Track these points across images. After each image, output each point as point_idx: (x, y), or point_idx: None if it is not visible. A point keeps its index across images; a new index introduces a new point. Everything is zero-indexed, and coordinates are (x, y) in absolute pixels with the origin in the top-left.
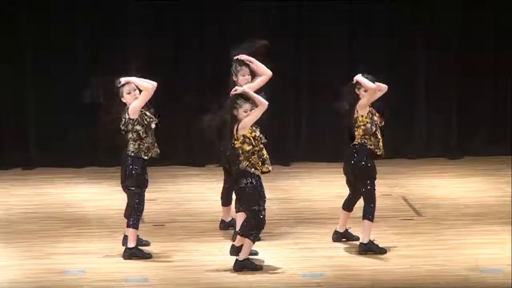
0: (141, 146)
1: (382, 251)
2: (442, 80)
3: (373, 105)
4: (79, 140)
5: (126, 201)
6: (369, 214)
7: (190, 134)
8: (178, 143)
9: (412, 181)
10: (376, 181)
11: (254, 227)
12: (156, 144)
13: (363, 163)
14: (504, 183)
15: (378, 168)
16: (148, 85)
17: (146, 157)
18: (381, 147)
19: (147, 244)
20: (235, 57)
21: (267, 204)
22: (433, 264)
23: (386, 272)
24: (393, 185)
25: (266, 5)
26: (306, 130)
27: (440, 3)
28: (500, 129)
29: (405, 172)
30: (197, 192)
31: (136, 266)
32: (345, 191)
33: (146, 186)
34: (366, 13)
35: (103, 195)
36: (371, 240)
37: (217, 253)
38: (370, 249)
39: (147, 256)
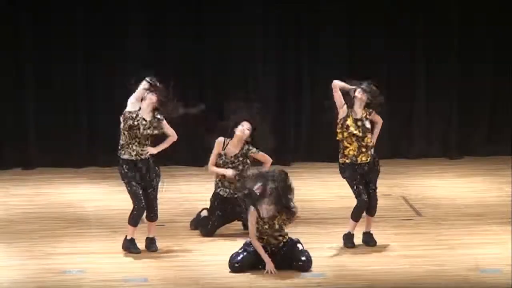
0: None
1: (349, 246)
2: (442, 80)
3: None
4: (79, 140)
5: (125, 201)
6: (352, 212)
7: (190, 134)
8: (178, 143)
9: (412, 181)
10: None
11: None
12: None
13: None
14: (504, 183)
15: None
16: None
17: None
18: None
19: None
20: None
21: None
22: (433, 264)
23: (386, 272)
24: (393, 185)
25: (267, 6)
26: (306, 130)
27: (440, 3)
28: (500, 129)
29: (405, 172)
30: (197, 192)
31: (136, 266)
32: (345, 191)
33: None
34: (366, 13)
35: (103, 195)
36: (349, 232)
37: (217, 253)
38: (344, 241)
39: (134, 252)
